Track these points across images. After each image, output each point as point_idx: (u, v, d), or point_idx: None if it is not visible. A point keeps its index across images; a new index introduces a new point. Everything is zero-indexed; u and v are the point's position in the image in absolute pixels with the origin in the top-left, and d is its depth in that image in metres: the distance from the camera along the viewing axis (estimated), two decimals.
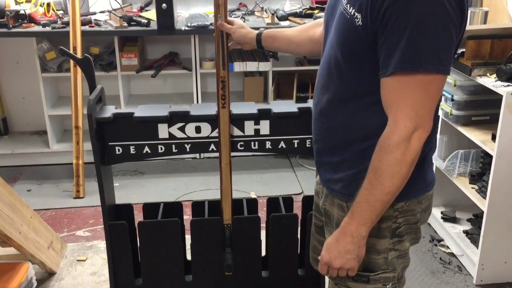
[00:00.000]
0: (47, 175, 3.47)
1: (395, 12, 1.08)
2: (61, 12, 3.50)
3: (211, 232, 2.06)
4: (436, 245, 2.70)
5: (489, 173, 2.30)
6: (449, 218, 2.70)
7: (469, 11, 2.66)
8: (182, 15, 3.65)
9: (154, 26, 3.28)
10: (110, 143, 1.94)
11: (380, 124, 1.19)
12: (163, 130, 1.94)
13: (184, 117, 1.93)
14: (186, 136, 1.95)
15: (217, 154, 2.00)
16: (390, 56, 1.13)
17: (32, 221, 2.19)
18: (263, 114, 1.94)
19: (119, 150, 1.95)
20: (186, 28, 3.27)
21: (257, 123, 1.96)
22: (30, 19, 3.28)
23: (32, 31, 3.19)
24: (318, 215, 1.60)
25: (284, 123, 1.97)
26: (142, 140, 1.95)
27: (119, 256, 2.05)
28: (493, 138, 2.27)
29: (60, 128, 3.78)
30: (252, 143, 1.99)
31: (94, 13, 3.40)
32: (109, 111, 1.93)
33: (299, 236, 2.13)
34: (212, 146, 2.01)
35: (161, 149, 1.97)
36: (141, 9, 3.62)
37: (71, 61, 3.16)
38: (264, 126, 1.96)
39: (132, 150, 1.96)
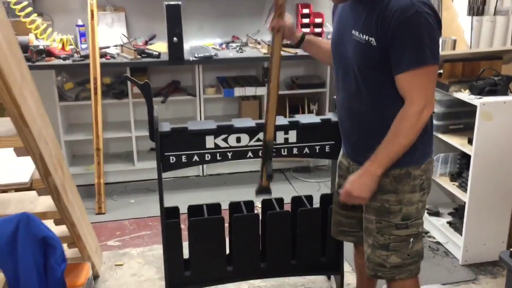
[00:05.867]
0: None
1: (400, 31, 1.61)
2: (73, 46, 3.83)
3: (249, 226, 2.43)
4: (423, 236, 3.16)
5: (467, 171, 2.80)
6: (433, 212, 3.18)
7: (440, 40, 3.23)
8: None
9: (163, 57, 3.67)
10: (165, 153, 2.30)
11: None
12: (209, 141, 2.31)
13: (228, 129, 2.31)
14: (229, 146, 2.33)
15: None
16: (400, 59, 1.64)
17: (88, 225, 2.49)
18: (292, 125, 2.36)
19: (173, 159, 2.31)
20: (194, 58, 3.67)
21: (286, 133, 2.37)
22: (49, 53, 3.59)
23: (54, 64, 3.51)
24: None
25: (308, 132, 2.38)
26: (192, 150, 2.32)
27: (173, 251, 2.39)
28: (469, 141, 2.77)
29: (70, 154, 4.05)
30: (282, 149, 2.39)
31: (108, 47, 3.74)
32: (166, 126, 2.30)
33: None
34: (250, 154, 2.39)
35: (208, 157, 2.34)
36: (146, 42, 3.99)
37: (92, 90, 3.48)
38: (292, 135, 2.37)
39: (183, 159, 2.32)
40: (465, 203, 2.82)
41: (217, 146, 2.32)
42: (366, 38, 1.69)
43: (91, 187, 3.64)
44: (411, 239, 1.84)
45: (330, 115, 2.43)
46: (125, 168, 3.96)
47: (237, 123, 2.35)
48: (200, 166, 4.02)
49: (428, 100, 1.67)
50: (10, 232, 1.27)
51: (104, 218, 3.43)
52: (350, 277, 2.74)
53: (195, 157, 2.33)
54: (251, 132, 2.33)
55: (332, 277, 2.73)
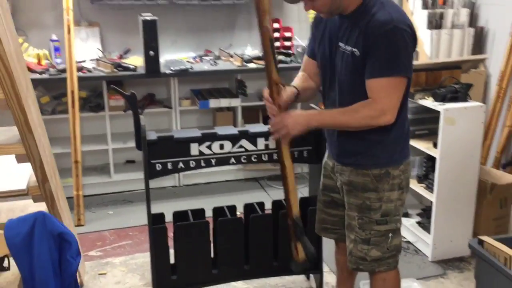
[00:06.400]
0: None
1: (378, 41, 1.78)
2: (48, 61, 3.87)
3: (233, 230, 2.54)
4: None
5: (433, 173, 3.00)
6: (403, 213, 3.36)
7: None
8: None
9: (139, 70, 3.76)
10: (152, 161, 2.39)
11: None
12: (194, 148, 2.42)
13: (212, 137, 2.42)
14: (212, 152, 2.44)
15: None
16: (372, 66, 1.81)
17: (75, 234, 2.53)
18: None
19: (159, 167, 2.40)
20: (170, 71, 3.77)
21: (266, 139, 2.50)
22: None
23: (30, 78, 3.52)
24: (327, 192, 2.20)
25: None
26: (177, 157, 2.42)
27: (160, 256, 2.46)
28: (434, 145, 2.97)
29: None
30: (263, 155, 2.52)
31: (84, 61, 3.80)
32: (153, 134, 2.39)
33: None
34: (232, 160, 2.50)
35: (193, 164, 2.44)
36: (121, 56, 4.07)
37: (69, 104, 3.53)
38: (272, 141, 2.50)
39: (169, 166, 2.42)
40: (432, 203, 3.01)
41: (201, 153, 2.43)
42: (350, 49, 1.86)
43: (69, 200, 3.64)
44: (390, 234, 2.01)
45: None
46: (102, 180, 4.00)
47: (220, 130, 2.46)
48: (177, 176, 4.10)
49: (390, 107, 1.81)
50: (27, 230, 1.33)
51: (83, 229, 3.46)
52: (328, 276, 2.87)
53: (180, 164, 2.43)
54: (234, 139, 2.45)
55: (311, 277, 2.86)
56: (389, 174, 1.96)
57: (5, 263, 1.42)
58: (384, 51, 1.77)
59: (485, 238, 2.05)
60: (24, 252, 1.30)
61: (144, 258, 3.09)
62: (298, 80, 2.18)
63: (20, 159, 1.63)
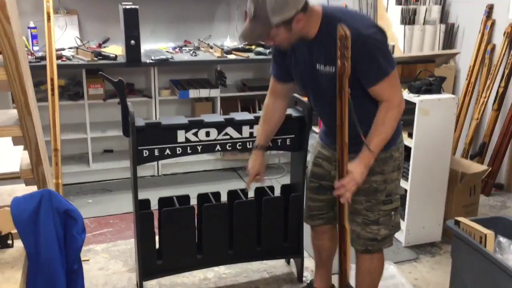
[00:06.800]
0: None
1: (359, 57, 1.85)
2: (26, 49, 3.83)
3: (217, 215, 2.60)
4: None
5: (408, 162, 3.12)
6: None
7: None
8: None
9: (119, 59, 3.76)
10: (139, 147, 2.42)
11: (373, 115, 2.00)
12: (181, 135, 2.47)
13: (198, 124, 2.48)
14: (199, 140, 2.50)
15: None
16: (367, 76, 1.94)
17: None
18: (257, 120, 2.56)
19: (146, 153, 2.44)
20: (151, 61, 3.79)
21: (251, 127, 2.57)
22: None
23: None
24: (315, 180, 2.30)
25: None
26: (164, 144, 2.46)
27: (146, 241, 2.50)
28: (409, 135, 3.10)
29: None
30: (248, 143, 2.59)
31: (63, 49, 3.78)
32: (140, 121, 2.42)
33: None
34: (218, 147, 2.56)
35: (179, 150, 2.49)
36: (99, 45, 4.06)
37: (49, 91, 3.50)
38: (257, 130, 2.57)
39: (156, 152, 2.46)
40: (406, 191, 3.14)
41: (188, 140, 2.48)
42: (334, 70, 1.93)
43: None
44: (393, 213, 2.16)
45: (290, 111, 2.66)
46: (80, 169, 4.00)
47: (207, 118, 2.52)
48: (156, 166, 4.13)
49: (400, 96, 1.99)
50: (33, 207, 1.36)
51: None
52: (307, 261, 2.97)
53: (167, 151, 2.47)
54: (220, 126, 2.51)
55: (291, 262, 2.95)
56: (392, 156, 2.10)
57: (9, 241, 1.45)
58: (368, 61, 1.89)
59: (461, 219, 2.18)
60: (30, 228, 1.34)
61: (126, 245, 3.13)
62: (262, 129, 2.38)
63: (16, 141, 1.65)
